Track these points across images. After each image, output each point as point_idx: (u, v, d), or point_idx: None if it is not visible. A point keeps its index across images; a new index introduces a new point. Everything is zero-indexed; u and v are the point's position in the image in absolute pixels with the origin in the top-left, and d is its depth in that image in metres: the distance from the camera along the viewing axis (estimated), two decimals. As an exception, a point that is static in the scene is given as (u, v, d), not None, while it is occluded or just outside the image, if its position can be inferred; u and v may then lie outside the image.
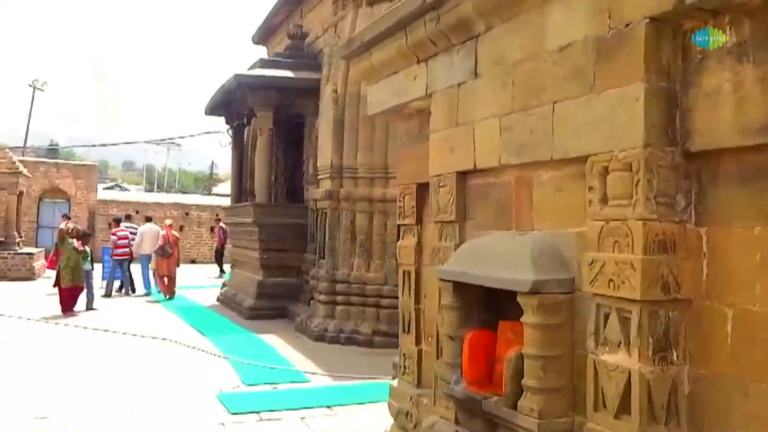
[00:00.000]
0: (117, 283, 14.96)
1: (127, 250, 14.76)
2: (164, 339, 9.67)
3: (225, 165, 73.83)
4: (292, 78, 12.04)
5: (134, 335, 9.96)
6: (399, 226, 4.52)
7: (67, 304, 11.84)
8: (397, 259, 4.60)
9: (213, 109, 14.52)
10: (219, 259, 21.73)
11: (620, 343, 2.45)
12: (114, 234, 14.84)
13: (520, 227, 3.16)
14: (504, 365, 2.85)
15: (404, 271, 4.39)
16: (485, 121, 3.34)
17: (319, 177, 10.66)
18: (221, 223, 22.21)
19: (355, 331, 9.71)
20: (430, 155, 3.80)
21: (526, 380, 2.74)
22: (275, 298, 12.09)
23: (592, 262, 2.58)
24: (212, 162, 61.72)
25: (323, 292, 10.14)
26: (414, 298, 4.25)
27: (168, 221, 16.05)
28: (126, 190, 43.40)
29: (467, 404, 3.16)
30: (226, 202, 29.52)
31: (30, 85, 39.18)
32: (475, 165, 3.45)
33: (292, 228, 12.29)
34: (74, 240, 12.15)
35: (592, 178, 2.60)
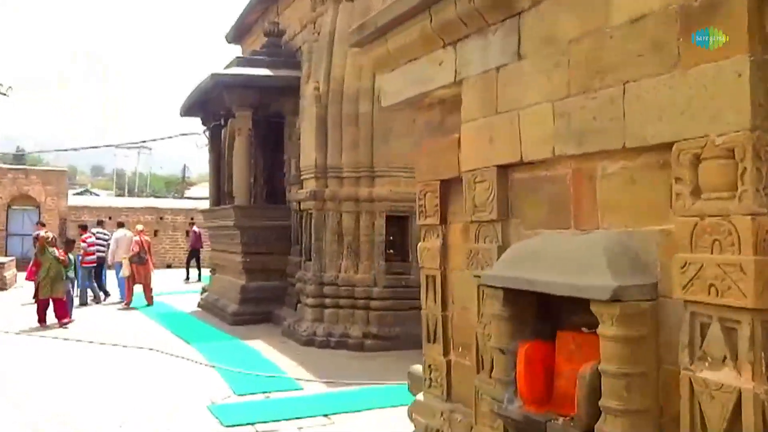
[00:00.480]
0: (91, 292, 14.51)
1: (95, 257, 14.32)
2: (149, 349, 9.33)
3: (197, 168, 72.82)
4: (270, 76, 11.74)
5: (115, 345, 9.59)
6: (421, 227, 4.18)
7: (44, 316, 11.37)
8: (418, 263, 4.29)
9: (189, 110, 14.14)
10: (188, 262, 21.29)
11: (725, 358, 2.13)
12: (83, 241, 14.31)
13: (581, 226, 2.82)
14: (576, 383, 2.51)
15: (427, 276, 4.06)
16: (533, 107, 3.01)
17: (302, 177, 10.39)
18: (194, 227, 21.84)
19: (345, 334, 9.47)
20: (463, 148, 3.47)
21: (606, 401, 2.43)
22: (259, 302, 11.78)
23: (684, 265, 2.27)
24: (184, 165, 60.88)
25: (311, 295, 9.88)
26: (440, 305, 3.92)
27: (139, 226, 15.63)
28: (96, 195, 42.59)
29: (525, 426, 2.82)
30: (201, 205, 29.27)
31: (-6, 90, 38.08)
32: (521, 157, 3.10)
33: (275, 230, 11.99)
34: (54, 249, 11.58)
35: (680, 168, 2.29)
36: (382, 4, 10.21)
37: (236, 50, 16.73)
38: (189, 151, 58.77)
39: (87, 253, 14.11)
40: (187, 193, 47.67)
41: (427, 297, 4.06)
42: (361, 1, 10.01)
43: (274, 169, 14.33)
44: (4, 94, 38.60)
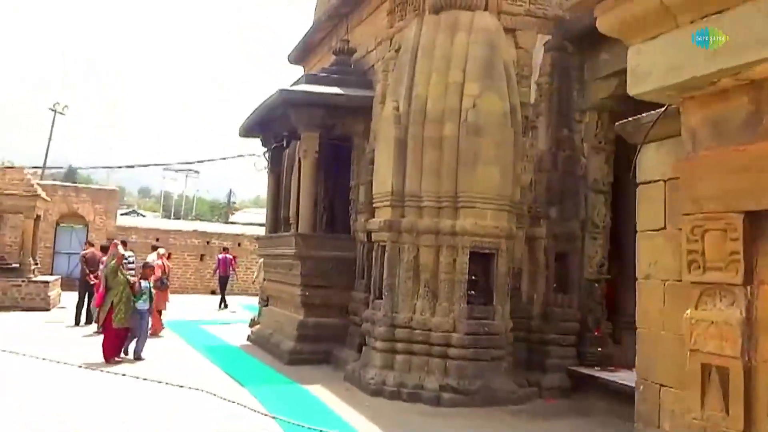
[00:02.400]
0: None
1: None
2: (204, 391, 8.28)
3: (243, 193, 72.96)
4: (341, 95, 10.84)
5: (167, 384, 8.61)
6: (693, 284, 2.80)
7: (112, 351, 10.10)
8: (692, 344, 2.78)
9: (249, 130, 13.33)
10: (222, 289, 20.44)
11: None
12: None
13: None
14: None
15: (707, 366, 2.71)
16: None
17: (375, 205, 9.37)
18: (226, 253, 21.04)
19: (419, 385, 8.32)
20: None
21: None
22: (318, 340, 10.73)
23: None
24: (230, 190, 60.85)
25: (380, 338, 8.77)
26: (740, 418, 2.55)
27: (161, 250, 14.78)
28: (142, 216, 42.43)
29: None
30: (248, 230, 28.72)
31: (51, 109, 38.42)
32: None
33: (338, 262, 10.97)
34: (126, 272, 10.63)
35: None
36: (470, 19, 9.36)
37: (299, 72, 15.98)
38: (236, 175, 58.58)
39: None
40: (232, 218, 47.28)
41: (705, 400, 2.69)
42: (449, 14, 9.07)
43: (336, 195, 13.41)
44: (61, 113, 38.97)
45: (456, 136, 8.64)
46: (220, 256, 21.07)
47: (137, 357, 10.34)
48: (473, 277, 8.71)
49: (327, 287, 10.96)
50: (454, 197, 8.61)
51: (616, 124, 5.04)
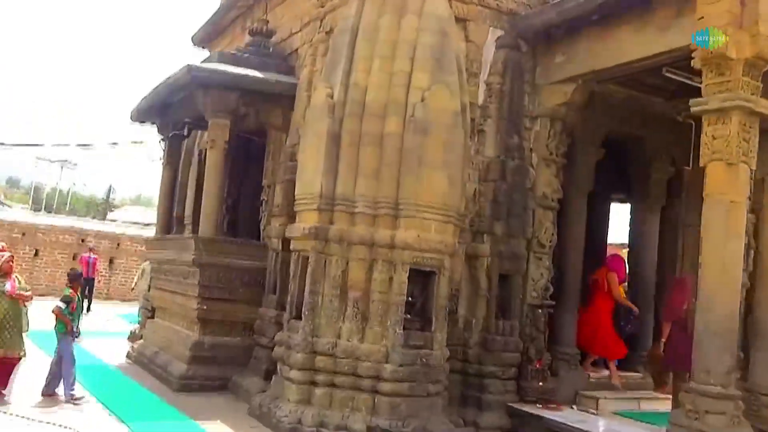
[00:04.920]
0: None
1: None
2: (62, 426, 6.55)
3: (123, 190, 68.38)
4: (261, 78, 9.38)
5: (14, 416, 6.79)
6: None
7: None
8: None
9: (144, 114, 11.49)
10: (82, 292, 18.23)
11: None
12: None
13: None
14: None
15: None
16: None
17: (297, 208, 7.95)
18: (90, 254, 18.99)
19: (343, 425, 6.97)
20: None
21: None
22: (216, 363, 9.14)
23: None
24: (110, 185, 56.80)
25: (297, 367, 7.34)
26: None
27: None
28: (8, 207, 38.32)
29: None
30: (130, 230, 26.22)
31: None
32: None
33: (245, 272, 9.46)
34: (5, 282, 7.82)
35: None
36: (420, 2, 8.20)
37: (203, 55, 14.24)
38: (117, 170, 54.65)
39: None
40: (110, 216, 43.87)
41: None
42: (397, -7, 7.85)
43: (241, 195, 11.88)
44: None
45: (400, 133, 7.41)
46: (84, 255, 19.24)
47: (71, 399, 7.84)
48: (410, 298, 7.49)
49: (230, 301, 9.40)
50: (394, 204, 7.36)
51: None
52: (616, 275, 9.52)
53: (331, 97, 7.68)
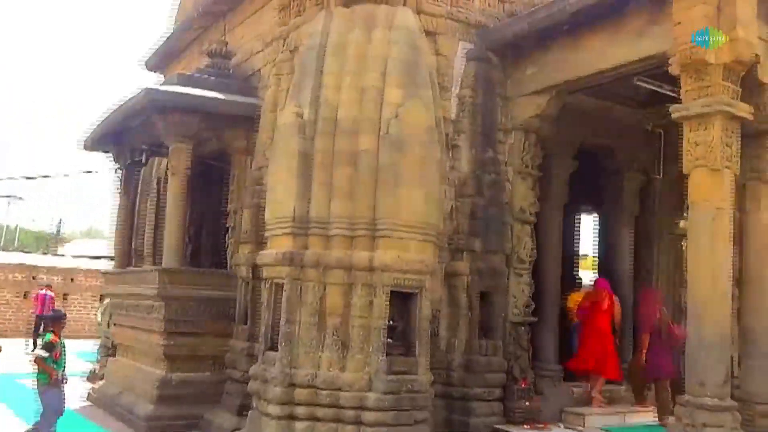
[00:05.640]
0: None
1: None
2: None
3: (73, 223, 66.32)
4: (223, 100, 9.01)
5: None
6: None
7: None
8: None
9: (97, 142, 10.96)
10: (36, 331, 17.59)
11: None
12: None
13: None
14: None
15: None
16: None
17: (269, 233, 7.57)
18: (47, 290, 18.41)
19: (327, 462, 6.58)
20: None
21: None
22: (184, 402, 8.64)
23: None
24: (60, 219, 55.06)
25: (275, 401, 6.92)
26: None
27: None
28: (-48, 246, 36.71)
29: None
30: (84, 264, 25.22)
31: None
32: None
33: (212, 303, 9.00)
34: None
35: None
36: (390, 15, 8.00)
37: (155, 80, 13.77)
38: (66, 203, 53.04)
39: None
40: (61, 251, 42.41)
41: None
42: (363, 8, 7.63)
43: (203, 223, 11.44)
44: None
45: (375, 150, 7.12)
46: (41, 292, 18.50)
47: None
48: (391, 322, 7.16)
49: (197, 334, 8.93)
50: (371, 224, 7.04)
51: None
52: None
53: (301, 116, 7.36)
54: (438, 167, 7.35)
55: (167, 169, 9.43)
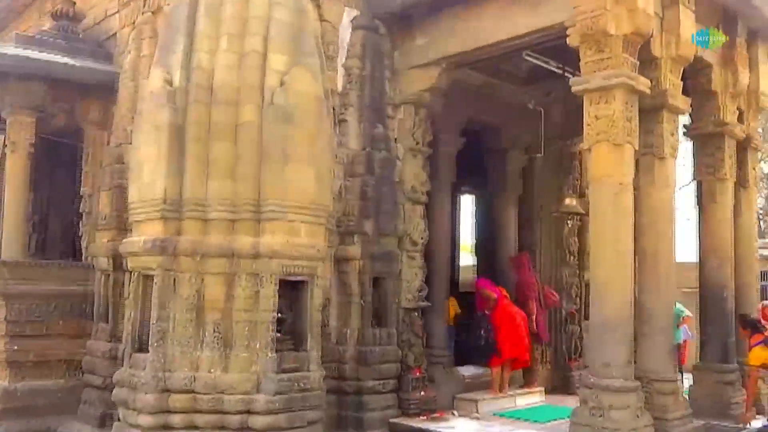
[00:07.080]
0: None
1: None
2: None
3: None
4: (74, 65, 7.80)
5: None
6: None
7: None
8: None
9: None
10: None
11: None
12: None
13: None
14: None
15: None
16: None
17: (134, 218, 6.58)
18: None
19: (210, 477, 5.80)
20: None
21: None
22: (34, 414, 7.49)
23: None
24: None
25: (146, 410, 6.01)
26: None
27: None
28: None
29: None
30: None
31: None
32: None
33: (64, 300, 7.88)
34: None
35: None
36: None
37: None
38: None
39: None
40: None
41: None
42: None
43: (51, 209, 10.07)
44: None
45: (257, 122, 6.33)
46: None
47: None
48: (279, 314, 6.46)
49: (47, 336, 7.80)
50: (255, 206, 6.28)
51: None
52: None
53: (170, 83, 6.43)
54: (329, 142, 6.72)
55: (5, 145, 8.06)
